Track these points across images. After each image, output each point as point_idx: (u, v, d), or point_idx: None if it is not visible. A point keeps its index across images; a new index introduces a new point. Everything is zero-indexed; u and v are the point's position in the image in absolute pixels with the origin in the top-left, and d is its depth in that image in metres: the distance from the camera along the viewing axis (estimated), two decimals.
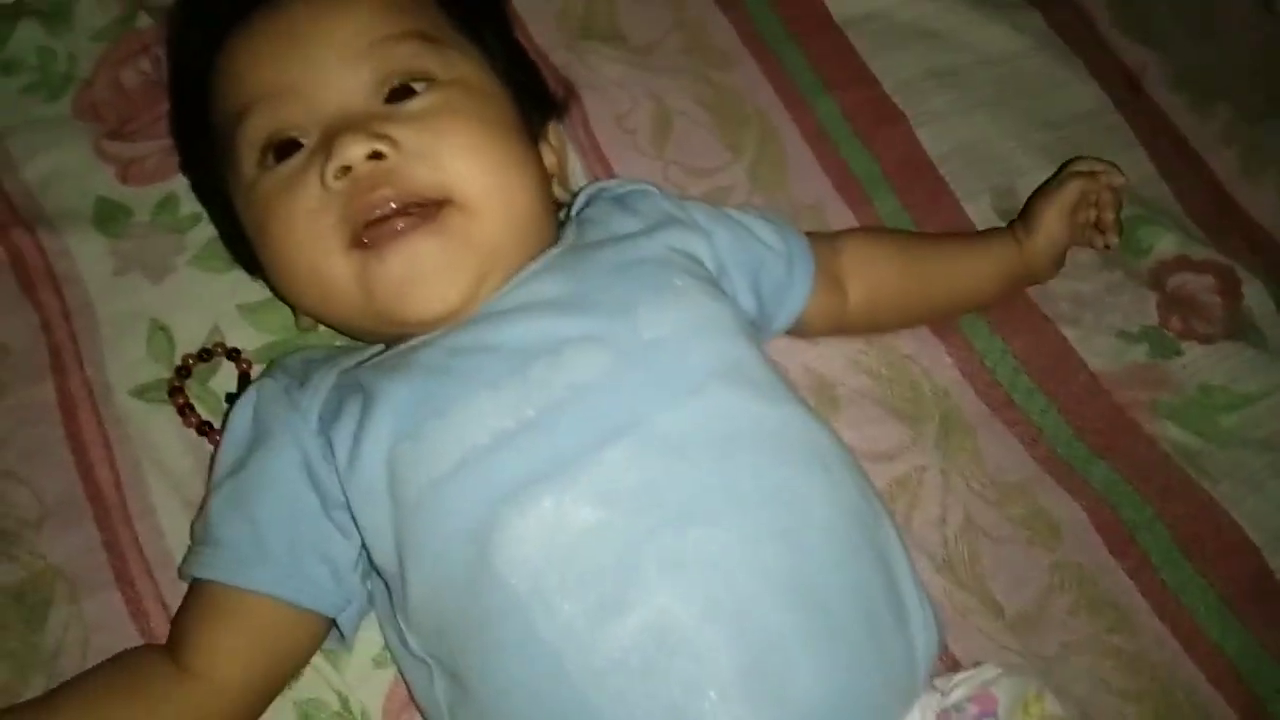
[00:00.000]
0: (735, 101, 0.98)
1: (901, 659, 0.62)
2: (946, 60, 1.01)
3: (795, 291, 0.79)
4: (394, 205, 0.66)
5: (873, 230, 0.91)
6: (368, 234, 0.66)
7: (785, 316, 0.80)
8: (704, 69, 0.99)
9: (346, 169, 0.65)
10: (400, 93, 0.69)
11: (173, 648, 0.65)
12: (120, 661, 0.66)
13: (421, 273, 0.66)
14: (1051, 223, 0.87)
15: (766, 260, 0.78)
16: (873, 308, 0.84)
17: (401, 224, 0.65)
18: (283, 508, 0.65)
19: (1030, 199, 0.90)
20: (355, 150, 0.65)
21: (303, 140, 0.68)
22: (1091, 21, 1.06)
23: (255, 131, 0.69)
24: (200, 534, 0.67)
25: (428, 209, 0.66)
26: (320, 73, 0.68)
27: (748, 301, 0.77)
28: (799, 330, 0.82)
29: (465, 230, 0.66)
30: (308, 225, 0.67)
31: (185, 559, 0.68)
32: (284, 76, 0.69)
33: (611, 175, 0.92)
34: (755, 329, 0.77)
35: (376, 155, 0.65)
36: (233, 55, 0.71)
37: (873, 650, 0.61)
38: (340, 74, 0.68)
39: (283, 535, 0.65)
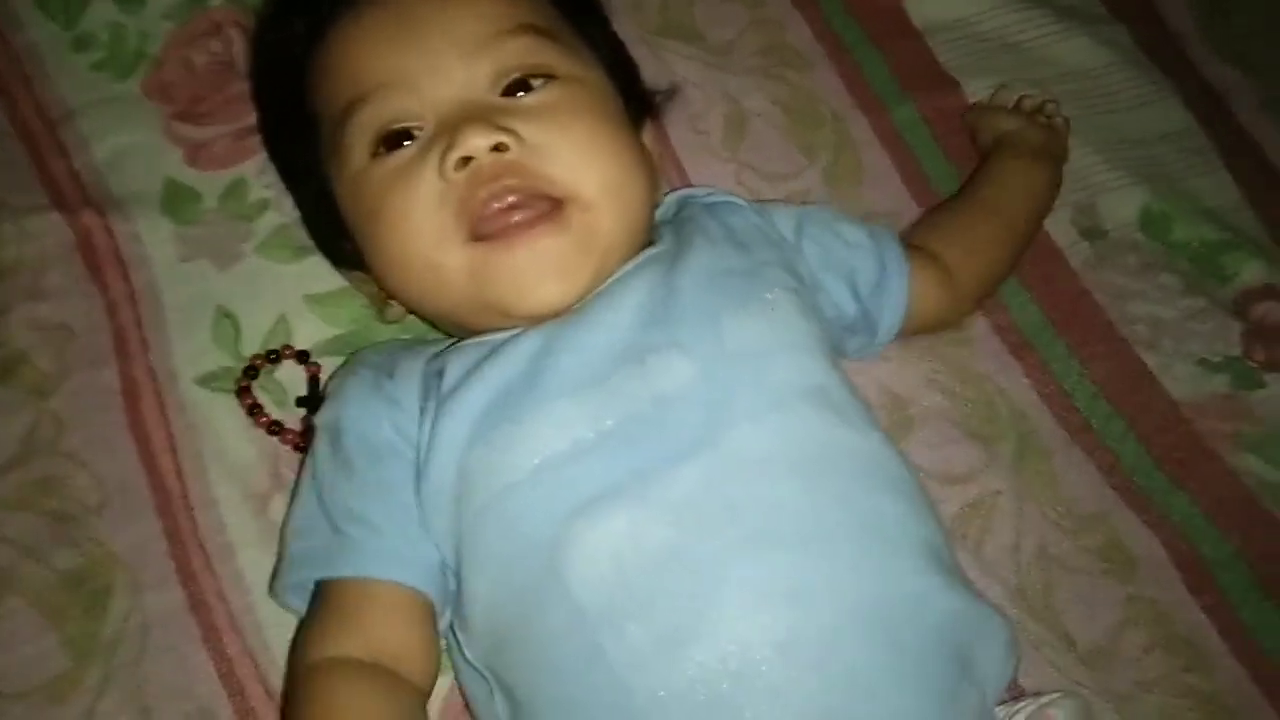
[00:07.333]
0: (811, 103, 0.95)
1: (976, 696, 0.61)
2: (1029, 72, 0.98)
3: (894, 284, 0.77)
4: (514, 198, 0.65)
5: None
6: (485, 225, 0.65)
7: (893, 311, 0.77)
8: (780, 69, 0.97)
9: (468, 160, 0.65)
10: (516, 87, 0.68)
11: (342, 654, 0.62)
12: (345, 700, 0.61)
13: (544, 267, 0.65)
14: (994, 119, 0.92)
15: (856, 260, 0.76)
16: (970, 259, 0.82)
17: (520, 216, 0.65)
18: (409, 506, 0.64)
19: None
20: (479, 141, 0.64)
21: (415, 131, 0.67)
22: (1179, 38, 1.03)
23: (369, 120, 0.68)
24: (319, 536, 0.65)
25: (548, 203, 0.65)
26: (440, 63, 0.67)
27: (849, 306, 0.76)
28: (919, 322, 0.80)
29: (587, 227, 0.66)
30: (424, 215, 0.66)
31: (303, 564, 0.66)
32: (401, 66, 0.68)
33: (684, 177, 0.90)
34: (863, 334, 0.77)
35: (499, 148, 0.65)
36: (344, 43, 0.70)
37: (950, 694, 0.59)
38: (460, 66, 0.67)
39: (414, 531, 0.64)
